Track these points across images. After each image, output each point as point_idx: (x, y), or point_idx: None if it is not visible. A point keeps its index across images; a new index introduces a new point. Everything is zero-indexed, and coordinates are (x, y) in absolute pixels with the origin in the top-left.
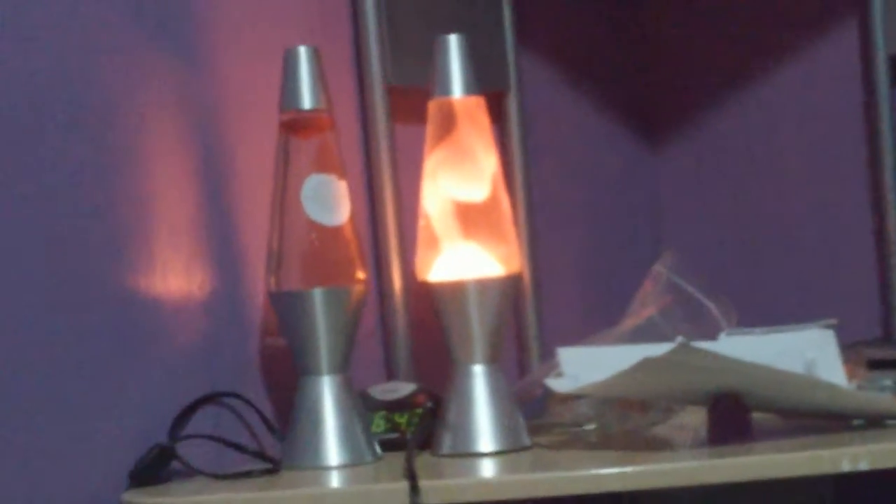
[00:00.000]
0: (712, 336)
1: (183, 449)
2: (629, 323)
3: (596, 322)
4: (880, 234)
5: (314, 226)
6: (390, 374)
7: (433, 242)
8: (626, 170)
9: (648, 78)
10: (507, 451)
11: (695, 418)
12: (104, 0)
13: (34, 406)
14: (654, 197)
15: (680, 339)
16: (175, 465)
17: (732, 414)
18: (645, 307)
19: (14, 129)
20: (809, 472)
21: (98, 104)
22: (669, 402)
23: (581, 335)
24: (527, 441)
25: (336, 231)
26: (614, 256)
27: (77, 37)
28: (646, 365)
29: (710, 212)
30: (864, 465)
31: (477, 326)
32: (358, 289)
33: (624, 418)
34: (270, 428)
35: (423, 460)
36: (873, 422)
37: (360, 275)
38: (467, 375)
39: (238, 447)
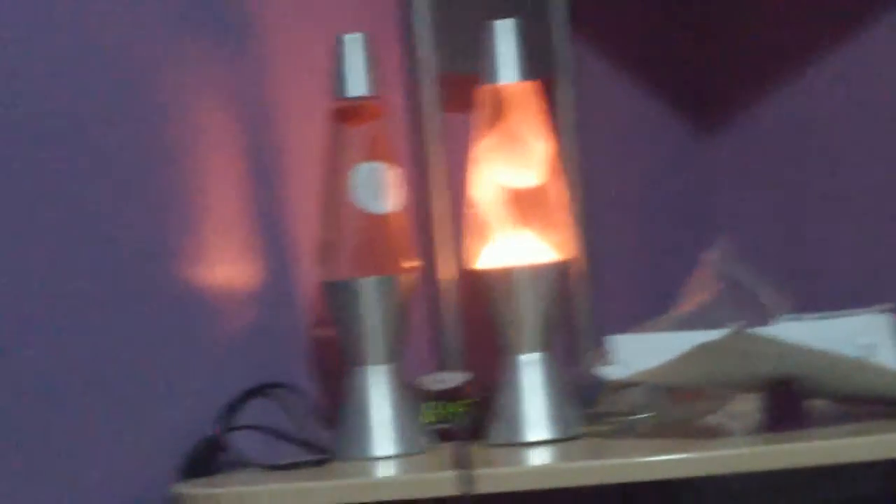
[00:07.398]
0: (765, 323)
1: (233, 440)
2: (681, 310)
3: (648, 309)
4: None
5: (365, 214)
6: (441, 364)
7: (481, 230)
8: (679, 155)
9: (700, 62)
10: (559, 439)
11: (748, 406)
12: None
13: (85, 400)
14: (707, 182)
15: (734, 325)
16: (225, 456)
17: (787, 400)
18: (697, 294)
19: (71, 126)
20: (867, 458)
21: (151, 98)
22: (722, 389)
23: (633, 322)
24: (579, 430)
25: (387, 219)
26: (667, 243)
27: (131, 33)
28: (701, 350)
29: (764, 195)
30: None
31: (527, 314)
32: (408, 278)
33: (677, 406)
34: (321, 418)
35: (473, 450)
36: None
37: (411, 263)
38: (518, 364)
39: (288, 437)
